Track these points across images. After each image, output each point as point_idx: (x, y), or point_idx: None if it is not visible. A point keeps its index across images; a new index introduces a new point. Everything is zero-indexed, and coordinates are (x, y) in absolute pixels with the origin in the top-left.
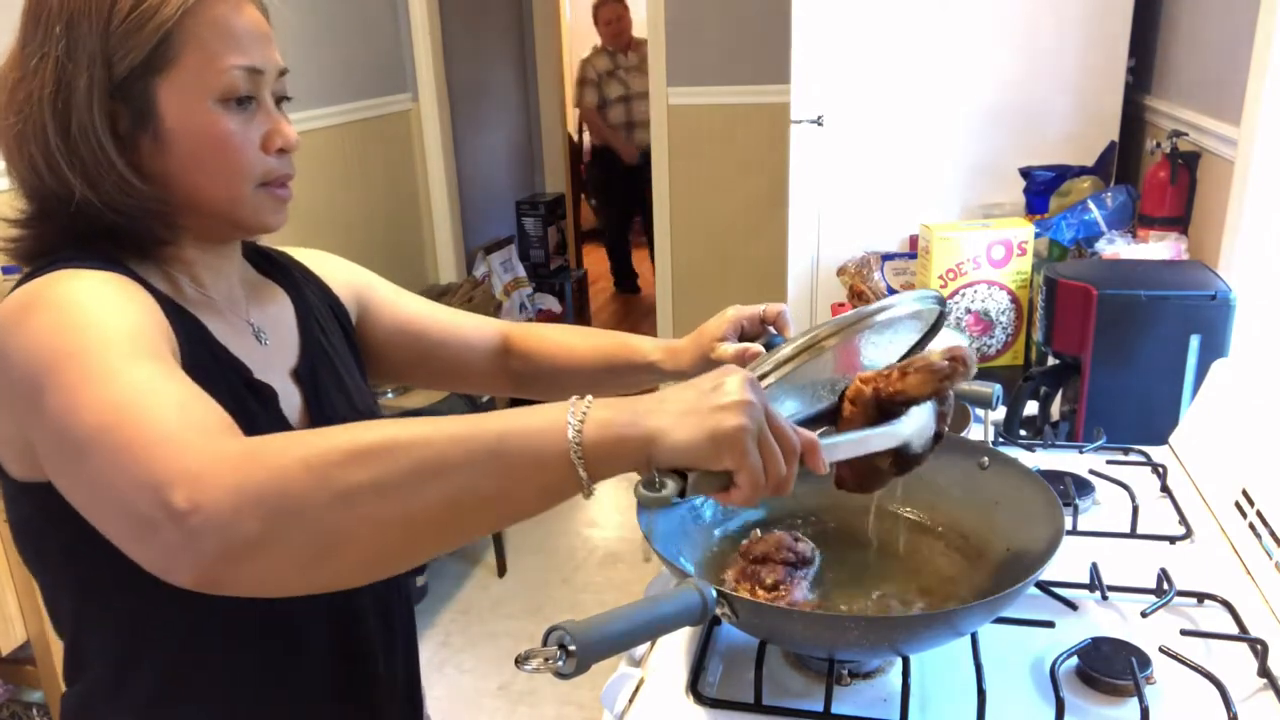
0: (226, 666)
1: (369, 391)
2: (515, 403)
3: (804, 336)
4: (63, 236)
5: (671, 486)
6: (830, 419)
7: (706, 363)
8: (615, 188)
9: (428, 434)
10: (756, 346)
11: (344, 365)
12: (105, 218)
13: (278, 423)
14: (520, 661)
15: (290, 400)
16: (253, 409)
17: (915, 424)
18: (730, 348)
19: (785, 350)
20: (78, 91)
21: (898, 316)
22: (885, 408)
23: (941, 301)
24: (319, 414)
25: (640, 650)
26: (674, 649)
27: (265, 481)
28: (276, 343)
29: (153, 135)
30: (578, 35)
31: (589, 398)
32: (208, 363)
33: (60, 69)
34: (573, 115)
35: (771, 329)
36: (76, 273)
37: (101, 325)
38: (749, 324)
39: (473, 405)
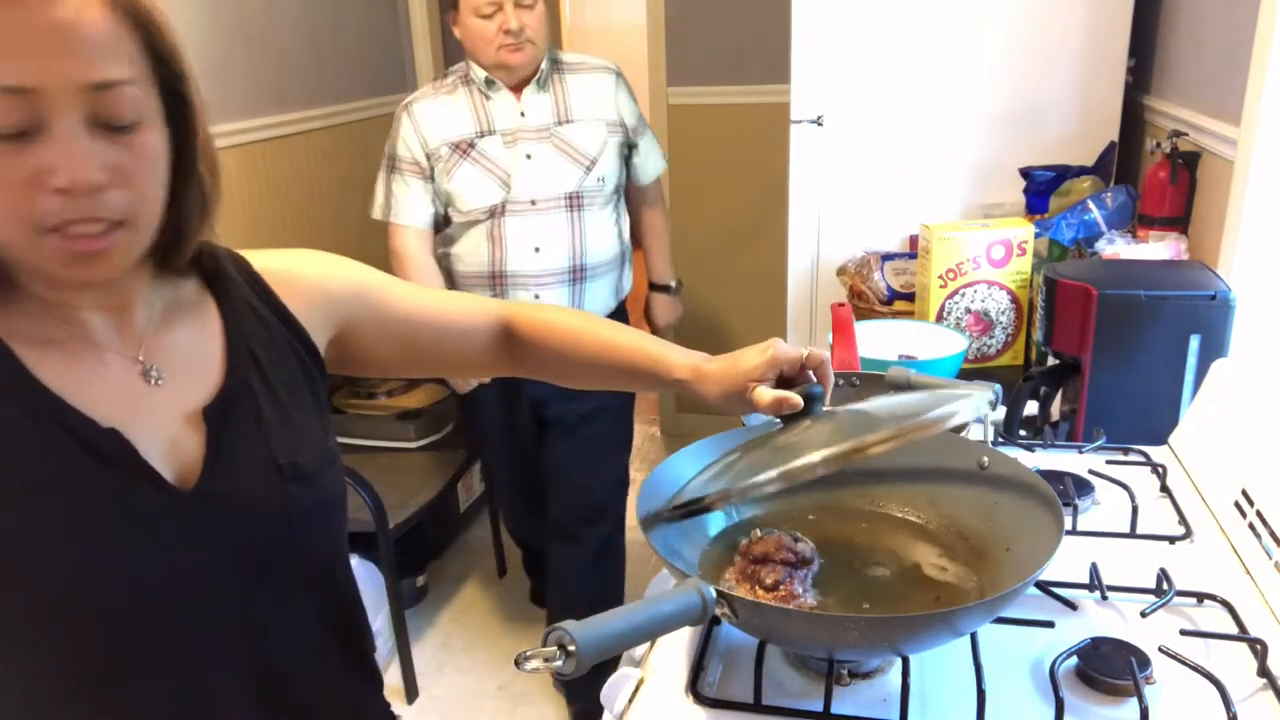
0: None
1: (313, 433)
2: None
3: (850, 441)
4: None
5: None
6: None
7: (739, 401)
8: (493, 415)
9: None
10: (795, 397)
11: (270, 398)
12: None
13: (135, 475)
14: (520, 661)
15: (178, 445)
16: (77, 467)
17: None
18: (768, 394)
19: (826, 453)
20: None
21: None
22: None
23: (996, 393)
24: (217, 458)
25: (640, 650)
26: (674, 649)
27: None
28: (182, 379)
29: None
30: (579, 34)
31: None
32: (10, 421)
33: None
34: None
35: (813, 374)
36: None
37: None
38: (789, 368)
39: None
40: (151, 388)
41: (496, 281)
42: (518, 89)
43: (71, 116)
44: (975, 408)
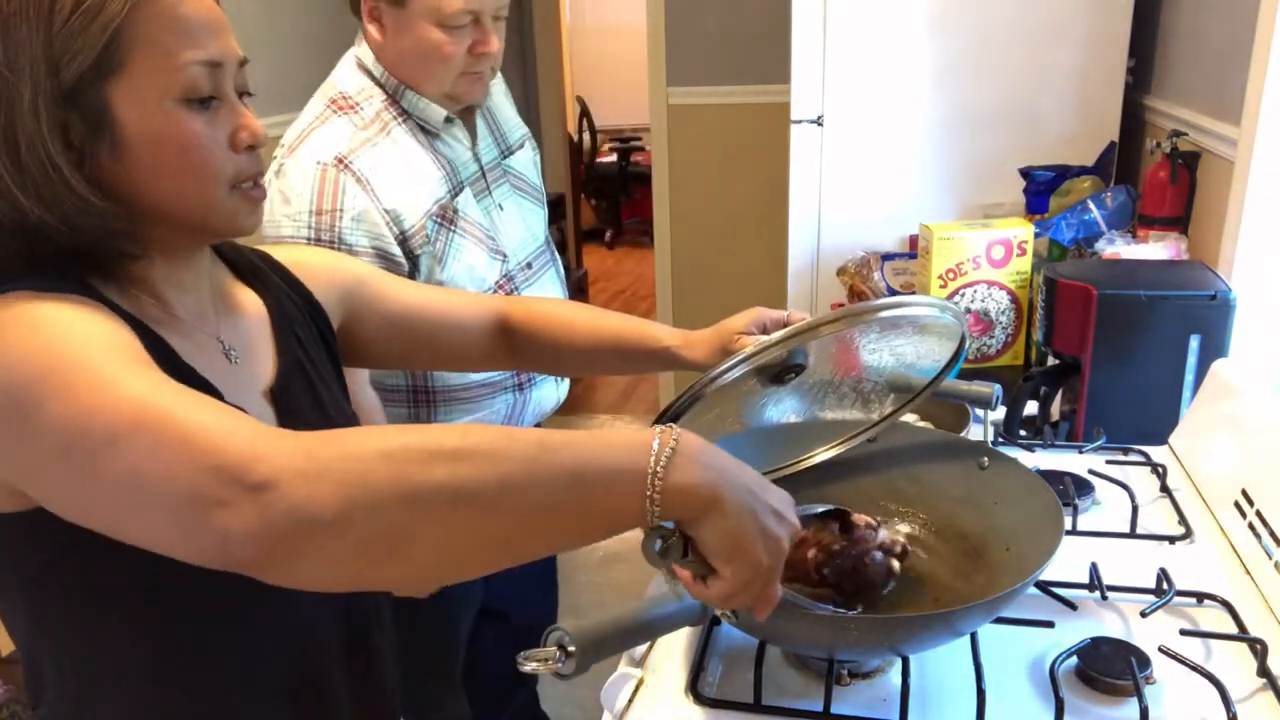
0: (183, 711)
1: (346, 402)
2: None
3: (807, 320)
4: (18, 258)
5: (676, 552)
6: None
7: (723, 355)
8: None
9: (505, 448)
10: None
11: (320, 378)
12: (64, 239)
13: None
14: (519, 662)
15: (263, 420)
16: None
17: None
18: (749, 340)
19: (786, 330)
20: (21, 104)
21: (903, 316)
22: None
23: (959, 316)
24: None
25: (640, 650)
26: (674, 649)
27: (343, 468)
28: (249, 360)
29: (110, 145)
30: (579, 34)
31: (675, 436)
32: None
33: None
34: (573, 114)
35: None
36: (35, 294)
37: (86, 337)
38: (771, 325)
39: None
40: (232, 365)
41: (522, 384)
42: (466, 120)
43: (230, 86)
44: (920, 304)
